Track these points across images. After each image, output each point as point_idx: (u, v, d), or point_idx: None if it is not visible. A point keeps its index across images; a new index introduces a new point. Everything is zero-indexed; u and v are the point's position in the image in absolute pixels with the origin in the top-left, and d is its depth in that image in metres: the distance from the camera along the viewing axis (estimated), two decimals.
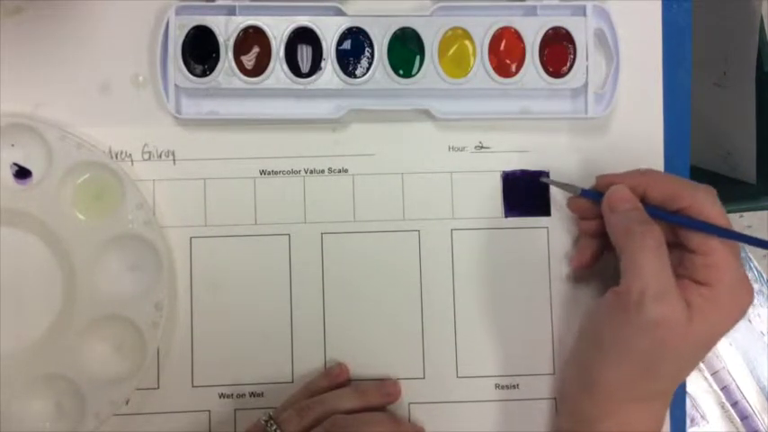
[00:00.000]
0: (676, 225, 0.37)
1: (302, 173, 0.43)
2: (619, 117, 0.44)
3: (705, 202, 0.36)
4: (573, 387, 0.39)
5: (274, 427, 0.39)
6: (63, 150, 0.41)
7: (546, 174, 0.44)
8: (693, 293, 0.35)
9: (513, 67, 0.43)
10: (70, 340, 0.41)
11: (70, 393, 0.40)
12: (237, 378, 0.42)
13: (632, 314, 0.35)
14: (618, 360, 0.36)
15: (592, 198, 0.40)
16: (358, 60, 0.42)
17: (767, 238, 0.37)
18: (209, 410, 0.42)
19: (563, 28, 0.43)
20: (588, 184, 0.41)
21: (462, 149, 0.44)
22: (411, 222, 0.43)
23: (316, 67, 0.42)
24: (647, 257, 0.35)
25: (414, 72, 0.42)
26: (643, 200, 0.38)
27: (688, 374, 0.39)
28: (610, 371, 0.36)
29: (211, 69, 0.42)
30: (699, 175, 0.42)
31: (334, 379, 0.42)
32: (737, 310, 0.36)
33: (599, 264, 0.42)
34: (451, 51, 0.42)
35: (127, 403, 0.41)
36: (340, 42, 0.42)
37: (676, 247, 0.37)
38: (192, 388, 0.42)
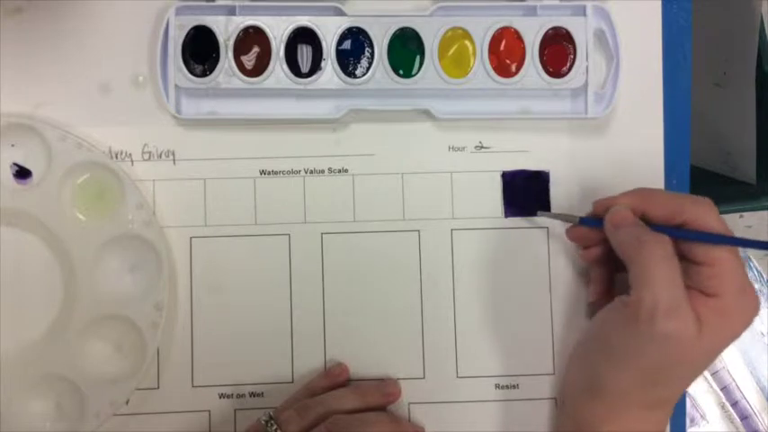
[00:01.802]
0: (681, 239, 0.37)
1: (302, 173, 0.43)
2: (619, 117, 0.44)
3: (706, 215, 0.36)
4: (577, 390, 0.39)
5: (274, 426, 0.39)
6: (63, 150, 0.41)
7: (546, 174, 0.44)
8: (702, 305, 0.35)
9: (513, 68, 0.43)
10: (70, 340, 0.41)
11: (70, 393, 0.40)
12: (237, 378, 0.42)
13: (643, 326, 0.35)
14: (626, 368, 0.36)
15: (591, 225, 0.40)
16: (358, 60, 0.42)
17: (767, 239, 0.37)
18: (209, 410, 0.42)
19: (563, 28, 0.43)
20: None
21: (462, 149, 0.44)
22: (411, 222, 0.43)
23: (316, 67, 0.42)
24: (658, 268, 0.35)
25: (414, 72, 0.42)
26: (643, 219, 0.38)
27: (693, 382, 0.39)
28: (617, 378, 0.36)
29: (211, 69, 0.42)
30: (699, 175, 0.42)
31: (334, 379, 0.42)
32: (745, 318, 0.36)
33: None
34: (451, 51, 0.42)
35: (127, 403, 0.41)
36: (340, 42, 0.42)
37: (681, 260, 0.37)
38: (192, 388, 0.42)
